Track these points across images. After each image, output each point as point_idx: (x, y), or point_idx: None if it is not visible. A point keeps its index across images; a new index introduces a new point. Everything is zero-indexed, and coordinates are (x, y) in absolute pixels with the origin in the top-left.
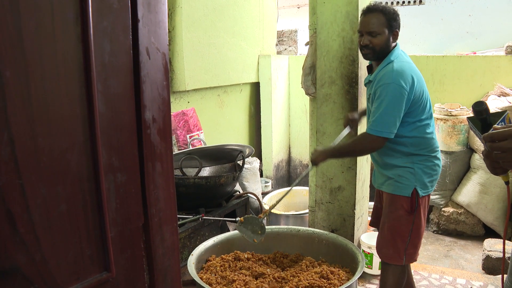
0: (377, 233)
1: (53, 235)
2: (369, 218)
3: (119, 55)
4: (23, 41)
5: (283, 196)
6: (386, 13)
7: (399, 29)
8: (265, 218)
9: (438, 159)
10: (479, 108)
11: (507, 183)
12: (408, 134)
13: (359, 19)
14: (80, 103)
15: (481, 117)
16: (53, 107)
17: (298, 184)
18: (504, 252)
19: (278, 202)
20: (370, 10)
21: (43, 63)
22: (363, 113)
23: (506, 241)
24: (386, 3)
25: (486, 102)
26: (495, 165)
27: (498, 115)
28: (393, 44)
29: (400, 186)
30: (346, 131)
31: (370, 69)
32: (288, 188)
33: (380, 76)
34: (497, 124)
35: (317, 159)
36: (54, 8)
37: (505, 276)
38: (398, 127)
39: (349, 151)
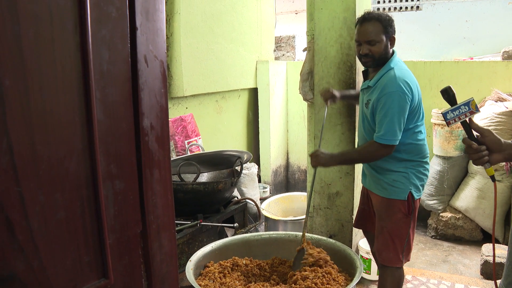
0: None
1: (51, 242)
2: None
3: (118, 63)
4: (22, 50)
5: (306, 220)
6: (382, 21)
7: (395, 34)
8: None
9: (428, 164)
10: (445, 88)
11: (493, 178)
12: (403, 140)
13: (355, 28)
14: (78, 111)
15: (447, 97)
16: (52, 115)
17: (297, 190)
18: (494, 256)
19: (304, 227)
20: (366, 19)
21: (42, 71)
22: (344, 96)
23: (502, 246)
24: (384, 9)
25: (452, 87)
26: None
27: (465, 101)
28: (391, 50)
29: (396, 190)
30: (326, 108)
31: (365, 74)
32: (306, 212)
33: (384, 84)
34: (460, 106)
35: (326, 163)
36: (53, 17)
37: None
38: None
39: (357, 158)
